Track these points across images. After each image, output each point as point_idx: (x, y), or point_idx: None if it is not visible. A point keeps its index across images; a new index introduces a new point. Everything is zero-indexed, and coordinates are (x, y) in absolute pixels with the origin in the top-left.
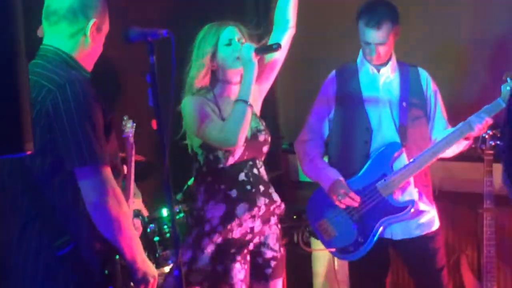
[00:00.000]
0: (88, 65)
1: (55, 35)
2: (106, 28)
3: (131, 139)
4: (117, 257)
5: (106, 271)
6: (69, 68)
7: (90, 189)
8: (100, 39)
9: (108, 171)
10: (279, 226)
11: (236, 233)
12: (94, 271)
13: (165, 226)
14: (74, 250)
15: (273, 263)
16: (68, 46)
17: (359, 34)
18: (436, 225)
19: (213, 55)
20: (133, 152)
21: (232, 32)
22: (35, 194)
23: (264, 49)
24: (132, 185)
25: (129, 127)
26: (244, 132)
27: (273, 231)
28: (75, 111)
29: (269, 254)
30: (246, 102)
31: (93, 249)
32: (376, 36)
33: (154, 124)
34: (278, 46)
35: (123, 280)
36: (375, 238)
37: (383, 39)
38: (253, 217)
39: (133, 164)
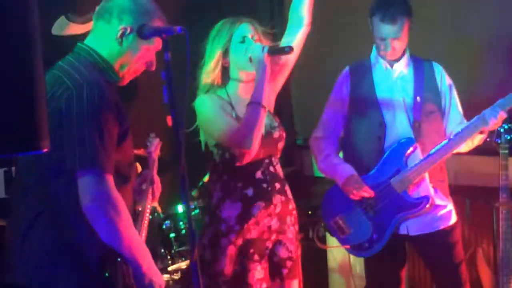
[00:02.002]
0: (123, 70)
1: (95, 35)
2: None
3: (154, 156)
4: (119, 260)
5: (107, 274)
6: (97, 70)
7: (87, 193)
8: (136, 48)
9: (108, 178)
10: (296, 227)
11: (254, 233)
12: (94, 272)
13: (181, 223)
14: (76, 249)
15: (289, 263)
16: (103, 48)
17: (372, 29)
18: (453, 219)
19: (226, 51)
20: (155, 168)
21: (246, 29)
22: (44, 189)
23: (276, 51)
24: (149, 199)
25: (154, 144)
26: (259, 135)
27: (290, 231)
28: (87, 113)
29: (285, 253)
30: (259, 104)
31: (94, 250)
32: (391, 31)
33: (169, 120)
34: (290, 50)
35: (125, 285)
36: (390, 234)
37: (399, 34)
38: (270, 215)
39: (155, 179)
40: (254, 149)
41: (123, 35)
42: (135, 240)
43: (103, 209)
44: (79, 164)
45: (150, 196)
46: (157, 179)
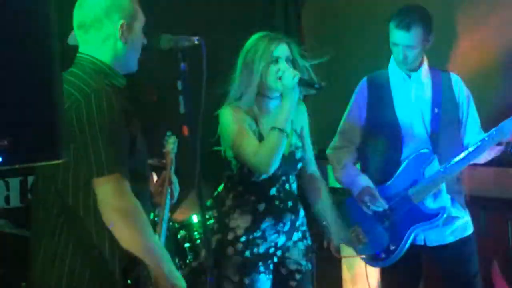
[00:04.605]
0: (130, 65)
1: (89, 45)
2: (139, 22)
3: (171, 155)
4: (140, 266)
5: (129, 281)
6: (102, 76)
7: (106, 201)
8: (134, 36)
9: (126, 184)
10: (306, 241)
11: (261, 248)
12: (117, 279)
13: (196, 233)
14: (97, 257)
15: (297, 276)
16: (103, 54)
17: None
18: (469, 230)
19: (258, 68)
20: (171, 168)
21: (282, 51)
22: (62, 201)
23: (306, 84)
24: (168, 199)
25: (171, 143)
26: (277, 160)
27: (296, 247)
28: (97, 121)
29: (292, 266)
30: (282, 130)
31: (115, 258)
32: (405, 38)
33: (185, 130)
34: (319, 88)
35: None
36: (407, 245)
37: (412, 42)
38: (278, 232)
39: (171, 179)
40: (271, 171)
41: (128, 29)
42: (155, 245)
43: (123, 217)
44: (96, 172)
45: (169, 196)
46: (174, 179)
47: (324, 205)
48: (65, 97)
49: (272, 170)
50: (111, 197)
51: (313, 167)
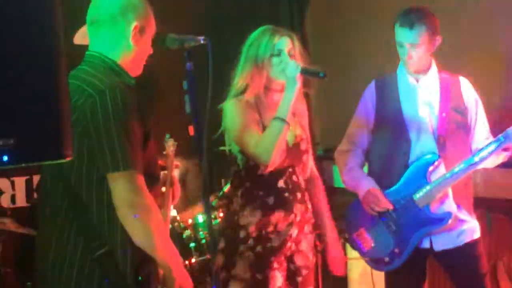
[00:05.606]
0: (135, 69)
1: (99, 42)
2: (150, 29)
3: (172, 157)
4: (152, 263)
5: (140, 278)
6: (113, 74)
7: (121, 196)
8: (144, 41)
9: (140, 179)
10: (313, 234)
11: (275, 242)
12: (127, 276)
13: (201, 232)
14: (108, 254)
15: (304, 271)
16: (113, 52)
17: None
18: (477, 234)
19: (261, 61)
20: (173, 168)
21: (285, 44)
22: (73, 197)
23: (310, 73)
24: (170, 200)
25: (170, 145)
26: (279, 150)
27: (307, 239)
28: (113, 117)
29: (301, 262)
30: (283, 120)
31: (127, 254)
32: (408, 35)
33: (191, 130)
34: (324, 76)
35: None
36: (411, 249)
37: (415, 40)
38: (290, 224)
39: (174, 180)
40: (273, 163)
41: (140, 32)
42: (167, 242)
43: (138, 212)
44: (112, 167)
45: (170, 198)
46: (176, 180)
47: (321, 206)
48: (77, 93)
49: (273, 160)
50: (126, 192)
51: (311, 162)
